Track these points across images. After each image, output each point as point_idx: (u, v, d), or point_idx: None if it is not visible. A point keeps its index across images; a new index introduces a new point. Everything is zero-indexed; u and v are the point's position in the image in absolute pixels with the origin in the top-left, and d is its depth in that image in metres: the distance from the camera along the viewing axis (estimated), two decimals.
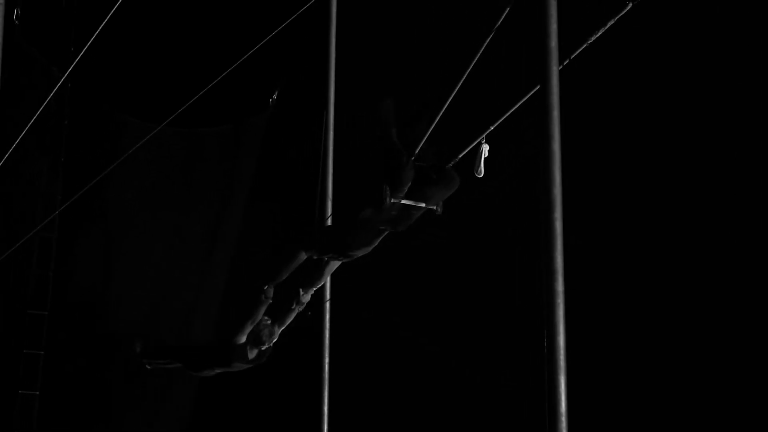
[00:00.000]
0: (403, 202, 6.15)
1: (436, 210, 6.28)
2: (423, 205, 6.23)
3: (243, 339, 7.03)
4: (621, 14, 5.02)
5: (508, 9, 5.21)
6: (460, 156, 6.16)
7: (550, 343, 4.19)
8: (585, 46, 5.17)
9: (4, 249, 9.65)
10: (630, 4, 4.97)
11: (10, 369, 10.41)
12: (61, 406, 10.62)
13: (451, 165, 6.25)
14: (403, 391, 10.57)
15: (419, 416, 10.47)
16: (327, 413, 8.99)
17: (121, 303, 10.71)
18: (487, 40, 5.35)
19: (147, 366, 7.59)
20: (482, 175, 6.04)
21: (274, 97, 10.78)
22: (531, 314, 9.06)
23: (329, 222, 9.00)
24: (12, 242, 9.53)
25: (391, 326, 10.68)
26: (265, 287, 6.76)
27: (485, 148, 6.00)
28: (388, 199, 6.04)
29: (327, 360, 9.01)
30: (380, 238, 6.44)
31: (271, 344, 7.12)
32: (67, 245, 10.71)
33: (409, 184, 6.16)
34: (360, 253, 6.53)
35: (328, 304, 8.91)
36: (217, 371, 7.43)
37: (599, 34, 5.12)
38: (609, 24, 5.07)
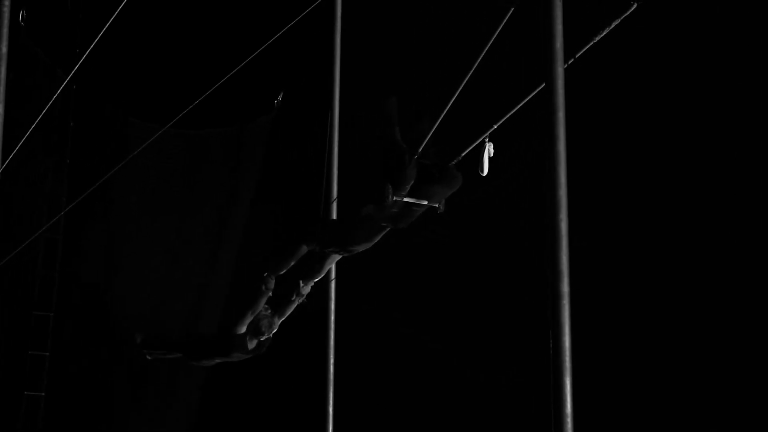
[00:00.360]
0: (405, 200, 6.17)
1: (439, 208, 6.30)
2: (425, 202, 6.25)
3: (243, 329, 7.05)
4: (626, 14, 5.01)
5: (512, 9, 5.21)
6: (464, 154, 6.16)
7: (556, 343, 4.18)
8: (589, 45, 5.16)
9: (9, 250, 9.66)
10: (635, 4, 4.96)
11: (15, 370, 10.43)
12: (67, 407, 10.64)
13: (453, 163, 6.26)
14: (407, 390, 10.57)
15: (422, 416, 10.46)
16: (332, 413, 8.99)
17: (126, 304, 10.72)
18: (492, 39, 5.35)
19: (147, 356, 7.59)
20: (486, 173, 6.05)
21: (279, 98, 10.78)
22: (536, 315, 9.05)
23: (332, 217, 9.03)
24: (17, 243, 9.54)
25: (394, 323, 10.69)
26: (266, 278, 6.80)
27: (490, 147, 6.01)
28: (390, 197, 6.07)
29: (332, 360, 9.02)
30: (381, 235, 6.48)
31: (271, 335, 7.13)
32: (72, 246, 10.72)
33: (412, 182, 6.18)
34: (361, 248, 6.58)
35: (333, 291, 8.94)
36: (217, 361, 7.44)
37: (604, 33, 5.11)
38: (614, 24, 5.06)
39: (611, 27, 5.07)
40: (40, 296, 10.50)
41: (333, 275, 8.88)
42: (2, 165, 7.57)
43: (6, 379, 10.42)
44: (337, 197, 9.10)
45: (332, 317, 9.04)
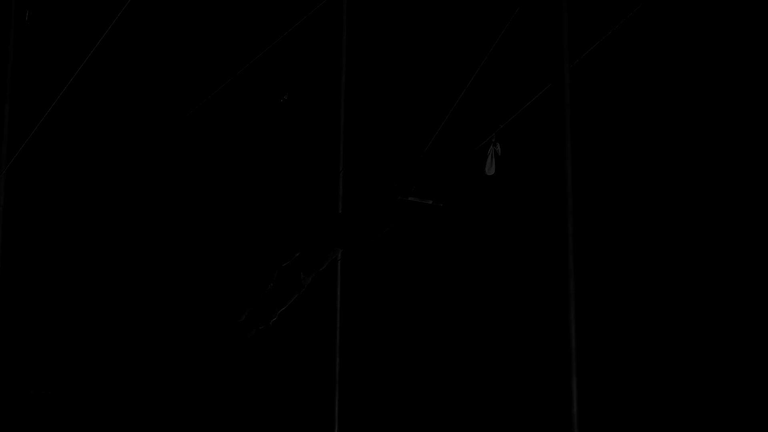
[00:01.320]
0: (410, 198, 6.20)
1: (441, 205, 6.33)
2: (430, 201, 6.28)
3: (242, 317, 7.11)
4: (632, 13, 5.01)
5: (519, 9, 5.21)
6: (471, 153, 6.17)
7: (562, 343, 4.18)
8: (596, 45, 5.16)
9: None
10: (641, 4, 4.96)
11: (21, 369, 10.45)
12: (73, 407, 10.66)
13: (458, 163, 6.27)
14: (412, 389, 10.56)
15: (427, 415, 10.46)
16: (338, 413, 9.00)
17: (132, 302, 10.75)
18: (498, 39, 5.35)
19: (148, 341, 7.63)
20: (493, 173, 6.05)
21: (285, 98, 10.79)
22: (543, 314, 9.05)
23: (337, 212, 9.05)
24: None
25: (398, 322, 10.68)
26: (274, 271, 6.88)
27: (497, 146, 6.01)
28: (395, 196, 6.11)
29: (338, 360, 9.02)
30: (384, 231, 6.52)
31: (270, 324, 7.19)
32: (78, 246, 10.74)
33: (417, 182, 6.21)
34: (362, 243, 6.63)
35: (339, 290, 8.96)
36: (217, 348, 7.50)
37: (610, 33, 5.11)
38: (620, 23, 5.06)
39: (617, 26, 5.07)
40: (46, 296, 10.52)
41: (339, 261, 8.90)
42: (9, 164, 7.60)
43: (12, 377, 10.46)
44: (342, 192, 9.11)
45: (338, 317, 9.05)
